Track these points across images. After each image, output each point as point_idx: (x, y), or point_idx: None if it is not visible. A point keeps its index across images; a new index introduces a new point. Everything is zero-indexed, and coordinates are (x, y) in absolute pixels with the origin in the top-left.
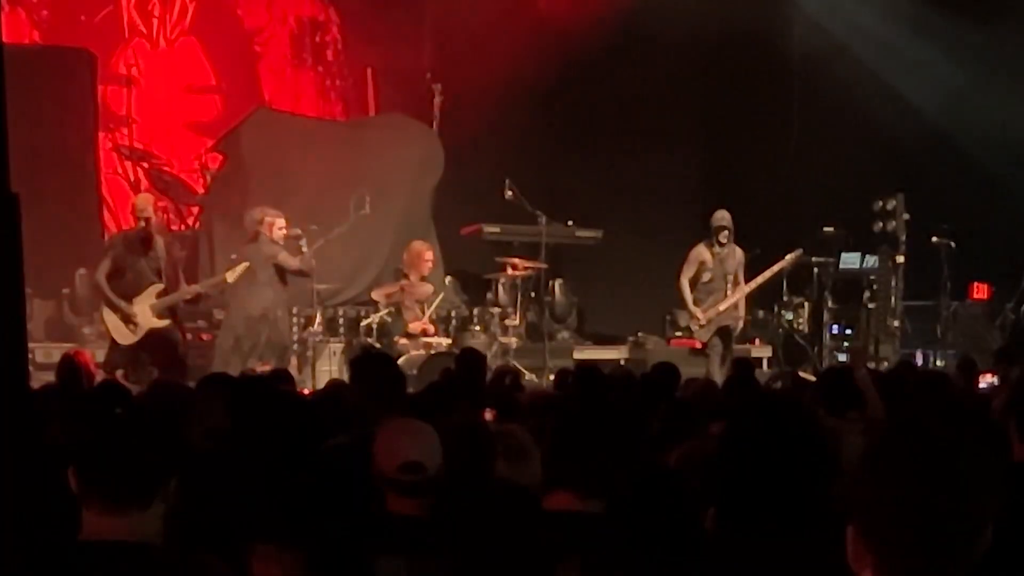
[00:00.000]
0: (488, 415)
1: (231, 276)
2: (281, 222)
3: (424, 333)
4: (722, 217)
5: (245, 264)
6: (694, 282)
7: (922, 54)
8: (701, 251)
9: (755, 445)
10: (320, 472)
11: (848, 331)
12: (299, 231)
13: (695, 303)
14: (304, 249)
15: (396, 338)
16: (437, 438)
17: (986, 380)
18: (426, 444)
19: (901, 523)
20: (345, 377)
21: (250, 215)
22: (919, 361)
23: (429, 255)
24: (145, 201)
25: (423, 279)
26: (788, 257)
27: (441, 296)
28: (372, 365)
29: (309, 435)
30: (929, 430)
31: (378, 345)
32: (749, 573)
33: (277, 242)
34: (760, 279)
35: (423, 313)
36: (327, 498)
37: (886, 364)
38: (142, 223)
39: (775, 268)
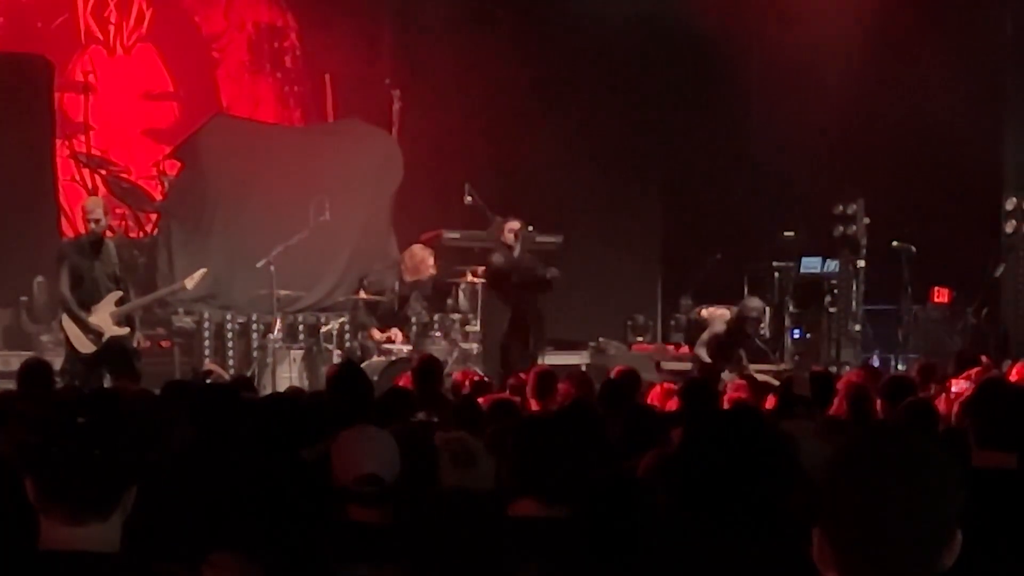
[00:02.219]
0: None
1: (190, 283)
2: None
3: (389, 340)
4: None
5: (203, 271)
6: None
7: (882, 57)
8: None
9: (713, 451)
10: (281, 481)
11: (809, 336)
12: None
13: None
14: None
15: (354, 344)
16: (395, 447)
17: (958, 385)
18: (383, 455)
19: (865, 526)
20: (305, 384)
21: None
22: (877, 364)
23: (431, 261)
24: (95, 204)
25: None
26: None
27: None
28: (351, 379)
29: (271, 443)
30: (893, 434)
31: (338, 352)
32: None
33: None
34: None
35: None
36: (286, 506)
37: (847, 368)
38: (92, 225)
39: None
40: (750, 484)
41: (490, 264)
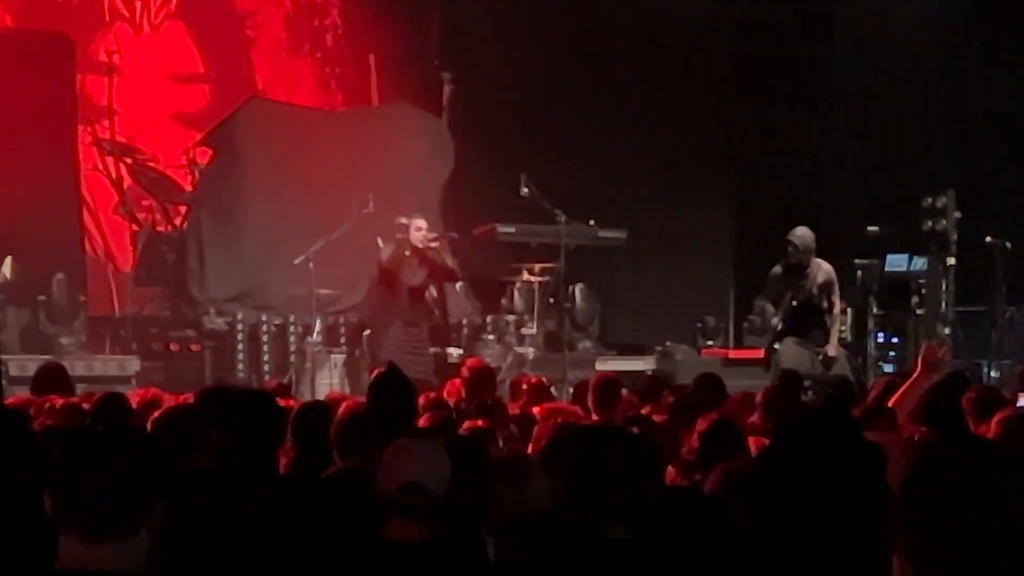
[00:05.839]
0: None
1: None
2: None
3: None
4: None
5: (9, 258)
6: None
7: (976, 38)
8: None
9: (799, 465)
10: (317, 497)
11: (895, 339)
12: None
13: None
14: None
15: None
16: (446, 459)
17: None
18: (431, 463)
19: (949, 546)
20: (346, 391)
21: None
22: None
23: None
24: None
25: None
26: None
27: None
28: (394, 386)
29: (308, 456)
30: (977, 449)
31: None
32: None
33: None
34: None
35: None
36: (322, 526)
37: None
38: None
39: None
40: (844, 501)
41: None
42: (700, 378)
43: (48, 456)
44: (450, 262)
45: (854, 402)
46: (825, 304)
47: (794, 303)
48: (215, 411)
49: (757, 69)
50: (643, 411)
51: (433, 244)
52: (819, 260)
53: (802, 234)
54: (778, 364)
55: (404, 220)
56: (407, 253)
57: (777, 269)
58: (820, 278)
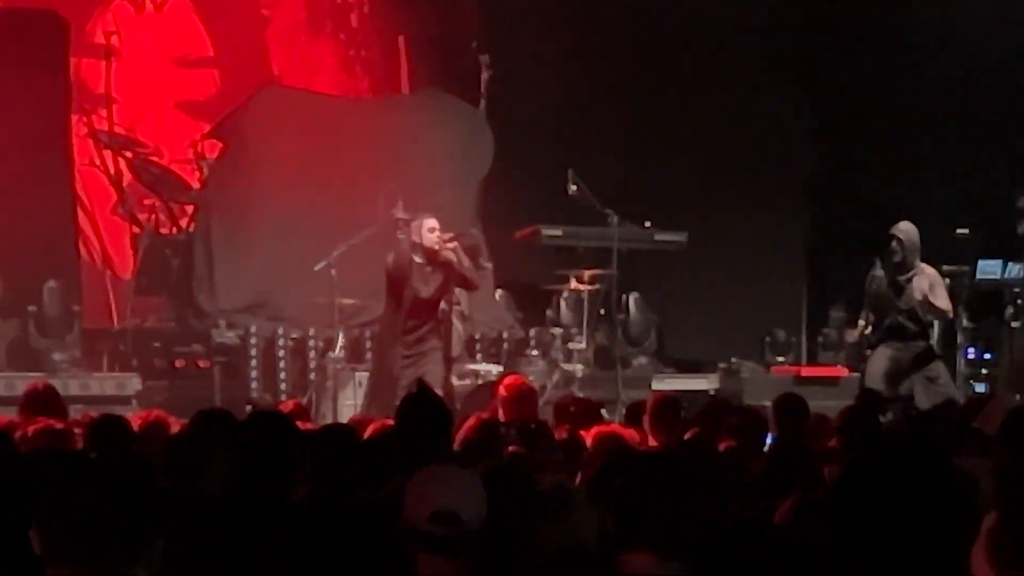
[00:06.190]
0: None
1: None
2: None
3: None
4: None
5: None
6: None
7: None
8: None
9: (877, 497)
10: (338, 530)
11: (987, 355)
12: None
13: None
14: None
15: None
16: (481, 488)
17: None
18: (464, 492)
19: None
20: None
21: None
22: None
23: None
24: None
25: None
26: None
27: None
28: (423, 407)
29: (328, 485)
30: None
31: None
32: None
33: None
34: None
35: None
36: (343, 562)
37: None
38: None
39: None
40: (926, 535)
41: None
42: (780, 399)
43: (36, 484)
44: (467, 266)
45: (951, 426)
46: (928, 311)
47: (898, 309)
48: (225, 435)
49: (834, 53)
50: (705, 435)
51: (449, 245)
52: (922, 263)
53: (907, 229)
54: (865, 378)
55: (402, 215)
56: (418, 259)
57: (877, 271)
58: (924, 282)
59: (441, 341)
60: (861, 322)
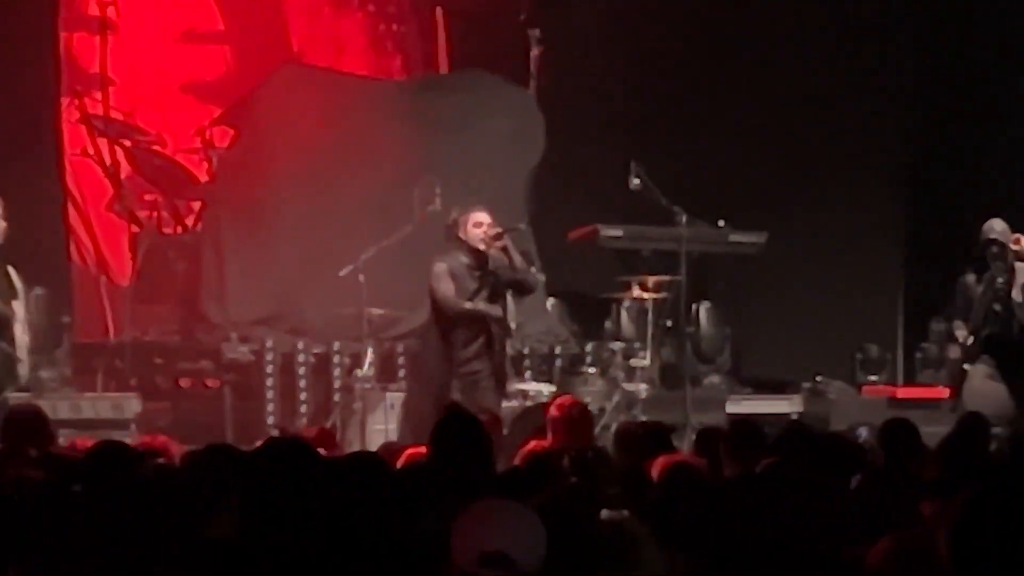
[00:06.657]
0: None
1: None
2: None
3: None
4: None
5: None
6: None
7: None
8: None
9: (996, 538)
10: (368, 573)
11: None
12: None
13: None
14: None
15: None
16: (538, 525)
17: None
18: (519, 530)
19: None
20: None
21: None
22: None
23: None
24: None
25: None
26: None
27: None
28: (461, 433)
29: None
30: None
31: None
32: None
33: None
34: None
35: None
36: None
37: None
38: None
39: None
40: None
41: None
42: (889, 425)
43: (16, 520)
44: (520, 266)
45: None
46: None
47: (995, 316)
48: (238, 466)
49: (937, 30)
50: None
51: (498, 243)
52: (1022, 264)
53: (1003, 230)
54: (964, 402)
55: (454, 214)
56: (464, 260)
57: (969, 277)
58: None
59: (493, 360)
60: (960, 334)
